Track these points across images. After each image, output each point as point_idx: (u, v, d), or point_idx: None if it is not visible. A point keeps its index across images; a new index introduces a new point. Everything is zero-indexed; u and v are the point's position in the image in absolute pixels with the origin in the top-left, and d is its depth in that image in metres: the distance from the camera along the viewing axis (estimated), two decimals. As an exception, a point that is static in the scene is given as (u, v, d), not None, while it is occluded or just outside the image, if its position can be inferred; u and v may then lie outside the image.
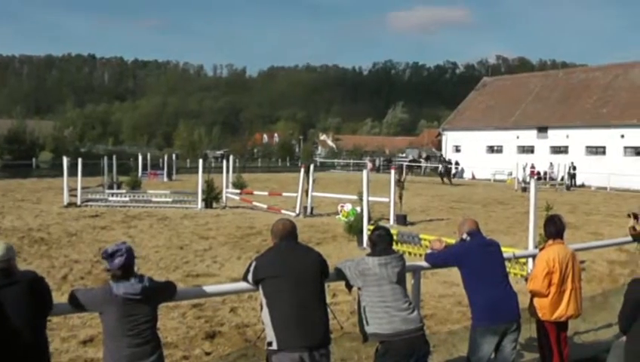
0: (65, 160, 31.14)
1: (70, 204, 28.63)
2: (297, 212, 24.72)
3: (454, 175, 63.02)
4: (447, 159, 65.07)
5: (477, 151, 69.35)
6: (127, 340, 4.96)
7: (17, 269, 5.00)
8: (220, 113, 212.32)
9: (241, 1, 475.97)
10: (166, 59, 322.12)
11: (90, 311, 5.36)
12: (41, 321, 4.95)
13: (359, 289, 6.04)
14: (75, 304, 5.22)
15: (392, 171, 23.85)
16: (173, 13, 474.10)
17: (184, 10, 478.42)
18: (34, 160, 68.83)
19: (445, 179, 53.06)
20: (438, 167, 54.63)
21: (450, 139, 74.78)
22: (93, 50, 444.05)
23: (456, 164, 68.18)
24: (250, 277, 5.75)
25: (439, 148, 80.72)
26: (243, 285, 6.00)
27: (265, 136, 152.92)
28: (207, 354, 8.67)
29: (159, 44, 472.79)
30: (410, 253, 15.83)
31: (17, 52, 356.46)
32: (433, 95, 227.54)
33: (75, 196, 29.26)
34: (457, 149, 73.08)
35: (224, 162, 32.83)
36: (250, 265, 5.80)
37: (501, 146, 67.80)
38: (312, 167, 27.55)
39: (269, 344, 5.45)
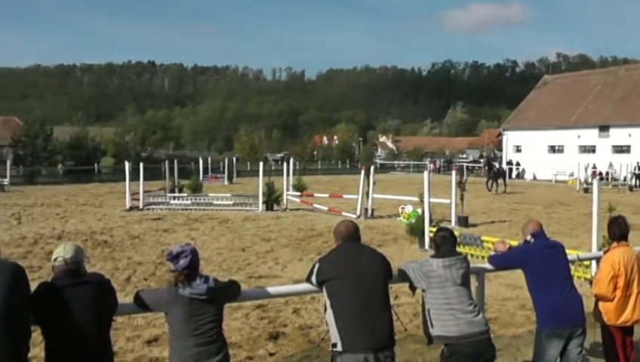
0: (127, 164, 31.60)
1: (132, 208, 29.03)
2: (358, 214, 24.66)
3: (516, 175, 62.14)
4: (493, 159, 53.50)
5: (538, 152, 68.26)
6: (192, 340, 5.00)
7: (85, 270, 5.09)
8: (280, 116, 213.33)
9: (298, 5, 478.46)
10: (225, 65, 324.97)
11: (156, 311, 5.41)
12: (106, 321, 5.04)
13: (423, 291, 5.97)
14: (141, 304, 5.29)
15: (454, 172, 23.65)
16: (231, 19, 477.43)
17: (242, 15, 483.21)
18: (96, 165, 69.91)
19: (494, 185, 40.99)
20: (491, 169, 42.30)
21: (511, 139, 73.73)
22: (153, 57, 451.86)
23: (517, 164, 67.30)
24: (313, 278, 5.74)
25: (500, 149, 79.73)
26: (307, 286, 5.99)
27: (324, 138, 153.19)
28: (271, 354, 8.69)
29: (218, 50, 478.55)
30: (472, 255, 15.66)
31: (78, 61, 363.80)
32: (493, 94, 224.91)
33: (137, 200, 29.64)
34: (518, 149, 72.09)
35: (284, 165, 32.93)
36: (313, 267, 5.79)
37: (562, 146, 66.74)
38: (372, 168, 27.47)
39: (334, 345, 5.43)
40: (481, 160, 69.98)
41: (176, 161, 41.13)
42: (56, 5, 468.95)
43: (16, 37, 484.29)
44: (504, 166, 56.96)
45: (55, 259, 4.97)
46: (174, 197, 30.77)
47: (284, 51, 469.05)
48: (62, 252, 4.98)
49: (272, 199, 28.41)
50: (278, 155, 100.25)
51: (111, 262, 15.86)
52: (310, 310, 10.62)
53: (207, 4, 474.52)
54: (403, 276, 6.12)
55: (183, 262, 5.09)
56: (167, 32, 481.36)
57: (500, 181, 41.73)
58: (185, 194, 32.25)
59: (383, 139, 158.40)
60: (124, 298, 5.48)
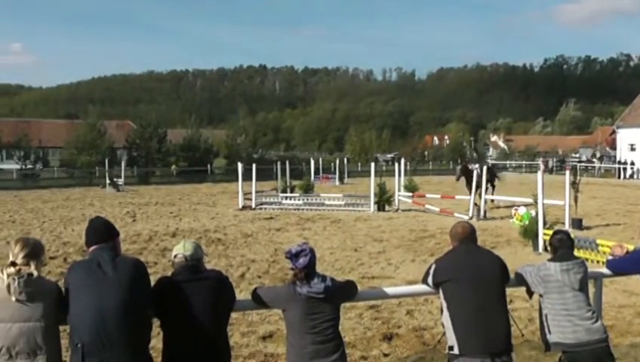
0: (239, 165, 32.21)
1: (245, 207, 29.55)
2: (470, 215, 24.39)
3: (630, 176, 60.12)
4: (471, 162, 43.64)
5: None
6: (310, 337, 5.07)
7: (204, 267, 5.27)
8: (390, 116, 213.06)
9: (405, 5, 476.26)
10: (336, 66, 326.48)
11: (273, 308, 5.56)
12: (224, 316, 5.17)
13: (540, 296, 5.88)
14: (258, 301, 5.40)
15: (567, 172, 23.09)
16: (340, 21, 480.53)
17: (351, 17, 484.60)
18: (209, 166, 71.29)
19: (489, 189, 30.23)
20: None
21: (625, 137, 70.32)
22: (264, 60, 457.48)
23: (632, 163, 64.89)
24: (430, 279, 5.74)
25: (613, 148, 77.10)
26: (423, 288, 5.99)
27: (435, 138, 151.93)
28: (386, 355, 8.68)
29: (329, 52, 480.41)
30: (587, 260, 15.29)
31: (191, 67, 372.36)
32: (607, 90, 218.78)
33: (250, 199, 30.12)
34: (632, 148, 68.47)
35: (396, 165, 32.86)
36: (429, 268, 5.79)
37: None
38: (484, 169, 27.17)
39: (451, 348, 5.42)
40: (594, 159, 67.56)
41: (287, 161, 41.56)
42: (168, 14, 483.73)
43: (130, 46, 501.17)
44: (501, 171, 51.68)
45: (175, 256, 5.16)
46: (286, 197, 31.12)
47: (395, 51, 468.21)
48: (182, 249, 5.16)
49: (383, 200, 28.39)
50: (389, 156, 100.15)
51: (225, 260, 16.23)
52: (424, 312, 10.58)
53: (318, 6, 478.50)
54: (520, 280, 6.03)
55: (302, 260, 5.17)
56: (278, 35, 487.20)
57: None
58: (297, 195, 32.57)
59: (494, 138, 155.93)
60: (239, 294, 5.60)
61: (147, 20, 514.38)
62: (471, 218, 23.81)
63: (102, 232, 5.11)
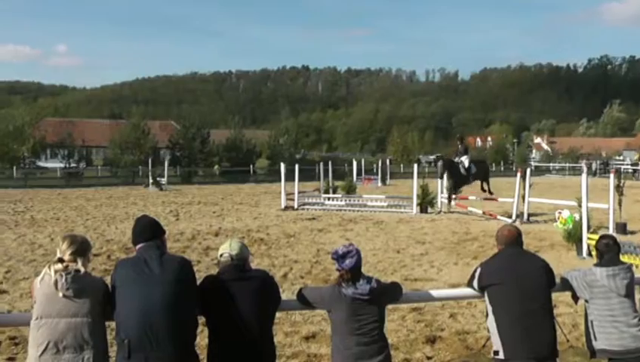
0: (282, 166, 32.33)
1: (287, 208, 29.65)
2: (513, 218, 24.16)
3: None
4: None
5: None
6: (355, 338, 5.10)
7: (250, 267, 5.32)
8: (433, 118, 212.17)
9: (449, 5, 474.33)
10: (378, 67, 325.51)
11: (318, 308, 5.58)
12: (269, 315, 5.22)
13: (586, 301, 5.84)
14: (304, 301, 5.47)
15: (612, 175, 22.72)
16: (383, 22, 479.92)
17: (394, 18, 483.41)
18: (251, 166, 71.65)
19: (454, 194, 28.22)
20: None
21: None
22: (307, 61, 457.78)
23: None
24: (475, 283, 5.74)
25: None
26: (468, 291, 6.00)
27: (478, 140, 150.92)
28: (429, 358, 8.66)
29: (372, 53, 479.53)
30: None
31: (234, 68, 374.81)
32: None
33: (292, 200, 30.22)
34: None
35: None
36: (475, 271, 5.79)
37: None
38: (528, 171, 26.93)
39: (496, 353, 5.42)
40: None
41: (330, 162, 41.59)
42: (213, 16, 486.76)
43: (174, 47, 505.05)
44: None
45: (221, 255, 5.24)
46: (328, 198, 31.16)
47: (438, 52, 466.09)
48: (228, 248, 5.23)
49: (426, 201, 28.28)
50: (431, 157, 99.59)
51: (268, 259, 16.30)
52: (467, 315, 10.51)
53: (361, 7, 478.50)
54: (565, 285, 6.01)
55: (348, 261, 5.23)
56: (321, 36, 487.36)
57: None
58: (339, 195, 32.57)
59: (537, 140, 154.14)
60: (282, 294, 5.63)
61: (192, 22, 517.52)
62: (514, 221, 23.44)
63: (149, 230, 5.19)
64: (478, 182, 28.55)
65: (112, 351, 4.81)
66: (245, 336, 4.90)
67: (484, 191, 28.22)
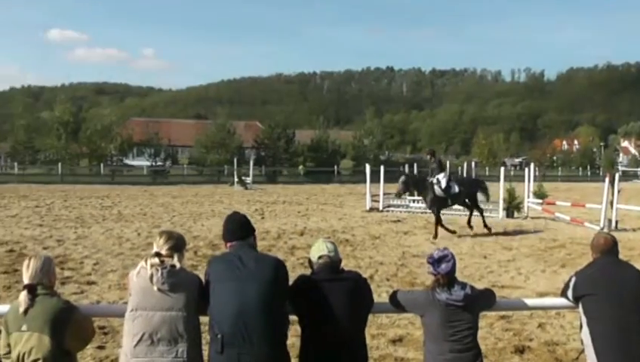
0: (367, 167, 32.32)
1: (372, 209, 29.74)
2: (601, 225, 23.61)
3: None
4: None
5: None
6: (448, 345, 5.06)
7: (342, 268, 5.33)
8: (518, 119, 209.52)
9: (535, 3, 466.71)
10: (463, 68, 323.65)
11: (410, 312, 5.53)
12: (362, 317, 5.21)
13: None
14: (396, 304, 5.45)
15: None
16: (468, 21, 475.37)
17: (479, 17, 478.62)
18: (335, 167, 71.95)
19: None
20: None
21: None
22: (392, 62, 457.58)
23: None
24: (569, 293, 5.61)
25: None
26: (561, 301, 5.90)
27: (564, 142, 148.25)
28: (518, 368, 8.51)
29: (456, 53, 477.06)
30: None
31: (318, 68, 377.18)
32: None
33: (377, 201, 30.20)
34: None
35: (526, 170, 32.24)
36: (569, 281, 5.66)
37: None
38: (617, 176, 26.29)
39: (590, 366, 5.29)
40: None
41: (415, 164, 41.43)
42: (298, 17, 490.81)
43: (260, 49, 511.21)
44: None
45: (320, 257, 5.24)
46: (413, 200, 30.94)
47: (524, 51, 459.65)
48: (326, 250, 5.27)
49: (512, 206, 27.84)
50: (516, 160, 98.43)
51: (353, 261, 16.25)
52: (556, 325, 10.26)
53: (446, 7, 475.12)
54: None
55: (444, 266, 5.19)
56: (405, 36, 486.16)
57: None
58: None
59: (624, 143, 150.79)
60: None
61: (277, 24, 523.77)
62: (602, 228, 22.75)
63: (243, 228, 5.31)
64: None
65: (205, 346, 4.92)
66: (339, 337, 4.91)
67: (470, 226, 22.24)
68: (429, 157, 23.81)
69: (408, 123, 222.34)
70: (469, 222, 22.20)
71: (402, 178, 22.26)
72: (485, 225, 22.10)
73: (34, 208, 29.85)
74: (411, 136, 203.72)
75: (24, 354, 4.69)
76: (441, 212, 21.77)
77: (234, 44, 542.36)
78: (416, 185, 22.22)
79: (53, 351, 4.68)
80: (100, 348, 8.76)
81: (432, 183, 21.42)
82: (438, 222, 21.18)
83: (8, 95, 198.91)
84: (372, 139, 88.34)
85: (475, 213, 22.62)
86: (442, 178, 21.54)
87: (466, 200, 22.58)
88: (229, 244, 5.26)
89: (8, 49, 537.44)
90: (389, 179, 33.14)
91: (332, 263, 5.19)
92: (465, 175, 54.07)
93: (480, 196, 23.30)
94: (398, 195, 23.22)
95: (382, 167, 32.14)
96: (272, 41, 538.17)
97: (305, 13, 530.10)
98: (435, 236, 20.71)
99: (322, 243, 5.36)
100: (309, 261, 5.39)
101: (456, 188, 21.71)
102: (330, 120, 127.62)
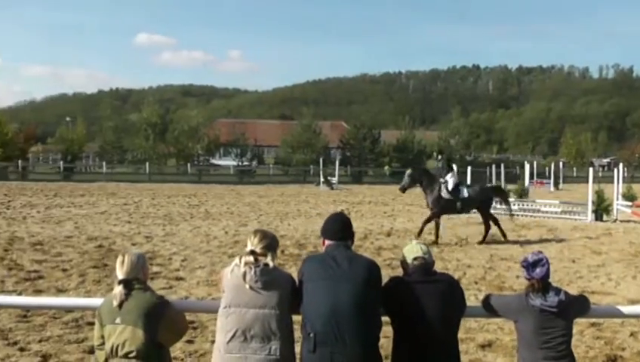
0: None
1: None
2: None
3: None
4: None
5: None
6: (542, 352, 5.00)
7: (435, 270, 5.34)
8: (606, 117, 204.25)
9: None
10: (550, 64, 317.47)
11: (503, 317, 5.46)
12: (454, 320, 5.20)
13: None
14: (489, 308, 5.39)
15: None
16: (555, 18, 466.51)
17: (565, 12, 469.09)
18: (420, 168, 71.69)
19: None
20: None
21: None
22: (478, 60, 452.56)
23: None
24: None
25: None
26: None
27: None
28: (609, 378, 8.39)
29: (543, 50, 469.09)
30: None
31: (403, 68, 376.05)
32: None
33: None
34: None
35: (614, 171, 31.58)
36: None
37: None
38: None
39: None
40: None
41: (502, 165, 41.00)
42: (382, 17, 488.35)
43: (345, 49, 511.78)
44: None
45: (415, 258, 5.24)
46: (500, 202, 30.68)
47: (611, 47, 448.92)
48: (420, 251, 5.30)
49: (601, 208, 27.27)
50: (604, 160, 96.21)
51: (440, 262, 16.01)
52: (648, 335, 10.05)
53: (532, 5, 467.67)
54: None
55: (539, 270, 5.08)
56: (492, 34, 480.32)
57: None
58: (511, 200, 32.01)
59: None
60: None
61: (362, 24, 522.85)
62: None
63: (344, 230, 5.33)
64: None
65: (297, 345, 5.00)
66: (431, 338, 4.92)
67: (484, 238, 20.67)
68: (438, 156, 23.56)
69: (495, 122, 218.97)
70: (501, 232, 20.81)
71: (408, 171, 21.68)
72: (502, 233, 20.77)
73: (122, 205, 30.73)
74: (498, 136, 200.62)
75: (118, 346, 4.86)
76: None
77: (319, 45, 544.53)
78: (422, 180, 20.91)
79: (147, 344, 4.85)
80: (189, 342, 8.99)
81: (440, 183, 20.62)
82: (428, 222, 20.49)
83: (97, 98, 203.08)
84: (458, 139, 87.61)
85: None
86: (450, 178, 20.74)
87: (480, 208, 21.45)
88: (326, 242, 5.31)
89: (98, 54, 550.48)
90: (474, 180, 32.90)
91: (426, 265, 5.22)
92: (553, 176, 53.30)
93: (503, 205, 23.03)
94: (403, 190, 21.19)
95: (469, 168, 31.90)
96: (357, 41, 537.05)
97: (389, 13, 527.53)
98: (419, 235, 19.89)
99: (416, 245, 5.38)
100: (402, 262, 5.39)
101: (465, 192, 20.80)
102: (416, 120, 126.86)
